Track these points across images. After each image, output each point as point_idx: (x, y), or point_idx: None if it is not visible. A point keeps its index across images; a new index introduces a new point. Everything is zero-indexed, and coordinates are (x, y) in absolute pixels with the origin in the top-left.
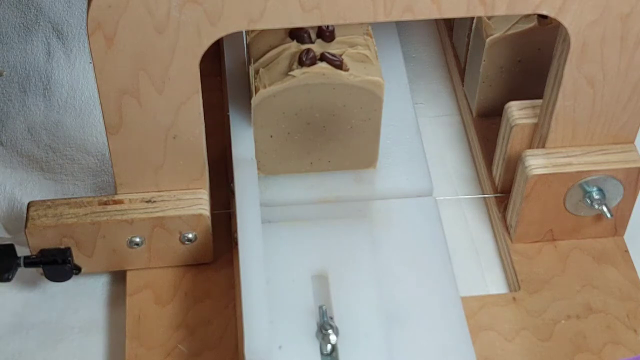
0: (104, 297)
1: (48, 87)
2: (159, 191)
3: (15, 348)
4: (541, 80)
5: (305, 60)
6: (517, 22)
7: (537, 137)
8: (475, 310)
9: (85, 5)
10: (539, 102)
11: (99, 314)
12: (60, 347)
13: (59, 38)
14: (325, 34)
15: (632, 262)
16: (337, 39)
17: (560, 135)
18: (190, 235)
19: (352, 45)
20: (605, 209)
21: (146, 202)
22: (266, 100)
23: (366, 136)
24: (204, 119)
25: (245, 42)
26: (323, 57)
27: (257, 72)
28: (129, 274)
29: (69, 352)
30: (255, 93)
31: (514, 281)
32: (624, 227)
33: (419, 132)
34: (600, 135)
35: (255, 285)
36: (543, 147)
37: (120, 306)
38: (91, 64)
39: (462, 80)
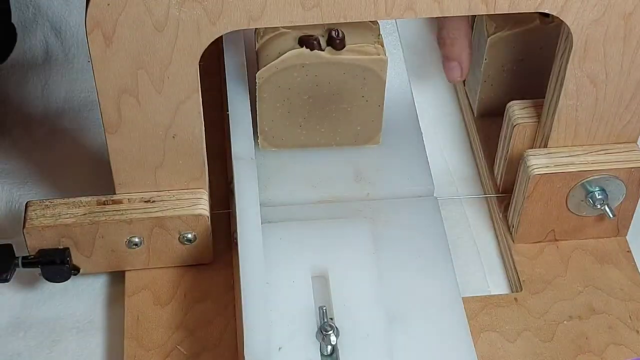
0: (103, 298)
1: (46, 86)
2: (158, 191)
3: (13, 349)
4: (543, 79)
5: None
6: (518, 21)
7: (540, 137)
8: (477, 311)
9: (84, 4)
10: (540, 101)
11: (97, 315)
12: (59, 347)
13: (57, 37)
14: (336, 41)
15: (634, 263)
16: (348, 46)
17: (563, 134)
18: (189, 236)
19: (364, 54)
20: (607, 209)
21: (145, 202)
22: (271, 77)
23: (369, 112)
24: (204, 118)
25: (244, 41)
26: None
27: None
28: (127, 274)
29: (67, 353)
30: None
31: (515, 282)
32: (627, 227)
33: (420, 132)
34: (603, 135)
35: (255, 286)
36: (545, 146)
37: (119, 307)
38: (90, 63)
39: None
